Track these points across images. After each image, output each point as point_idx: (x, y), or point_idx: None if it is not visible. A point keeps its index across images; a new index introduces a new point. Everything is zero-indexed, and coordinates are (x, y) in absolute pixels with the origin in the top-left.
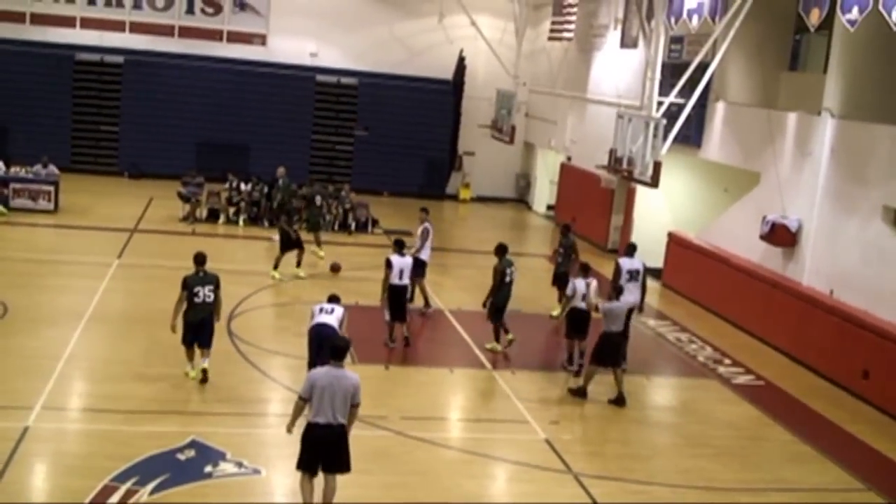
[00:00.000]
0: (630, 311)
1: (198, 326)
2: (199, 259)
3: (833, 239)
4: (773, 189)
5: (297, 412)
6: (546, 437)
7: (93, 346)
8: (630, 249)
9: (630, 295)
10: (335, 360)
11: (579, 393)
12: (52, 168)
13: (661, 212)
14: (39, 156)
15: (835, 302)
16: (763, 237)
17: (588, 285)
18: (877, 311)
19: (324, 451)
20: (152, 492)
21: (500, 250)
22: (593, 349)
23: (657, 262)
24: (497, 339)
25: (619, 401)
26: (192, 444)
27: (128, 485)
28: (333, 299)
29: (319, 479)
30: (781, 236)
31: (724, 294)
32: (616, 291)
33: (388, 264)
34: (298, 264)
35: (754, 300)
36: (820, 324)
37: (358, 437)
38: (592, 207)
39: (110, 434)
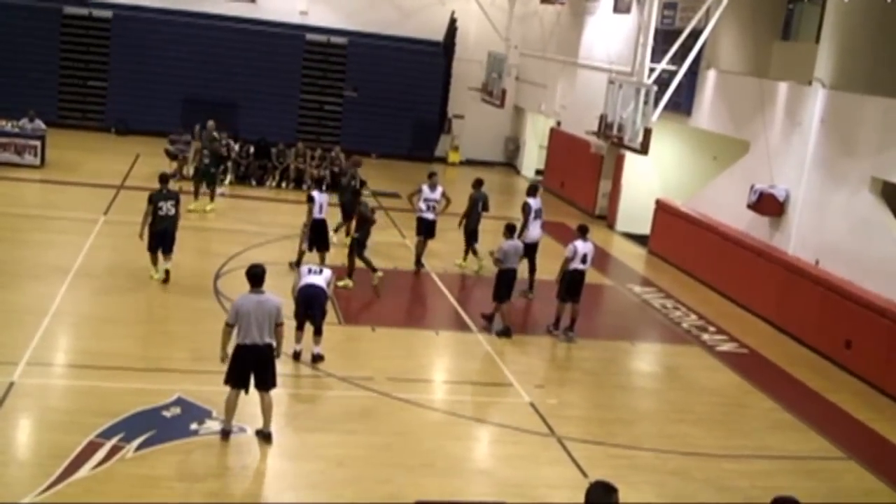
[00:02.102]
0: (535, 246)
1: (161, 235)
2: (163, 178)
3: (820, 209)
4: (762, 158)
5: (226, 337)
6: (531, 400)
7: (79, 303)
8: (534, 190)
9: (535, 230)
10: (255, 286)
11: (489, 319)
12: (39, 122)
13: (650, 179)
14: (26, 110)
15: (820, 272)
16: (750, 206)
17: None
18: (861, 282)
19: (252, 369)
20: (138, 448)
21: (355, 193)
22: (497, 287)
23: (644, 229)
24: (350, 276)
25: (506, 332)
26: (178, 402)
27: (113, 441)
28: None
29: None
30: (769, 205)
31: (710, 262)
32: (509, 231)
33: (311, 199)
34: (347, 233)
35: (740, 269)
36: (805, 293)
37: (343, 397)
38: (581, 173)
39: (96, 390)
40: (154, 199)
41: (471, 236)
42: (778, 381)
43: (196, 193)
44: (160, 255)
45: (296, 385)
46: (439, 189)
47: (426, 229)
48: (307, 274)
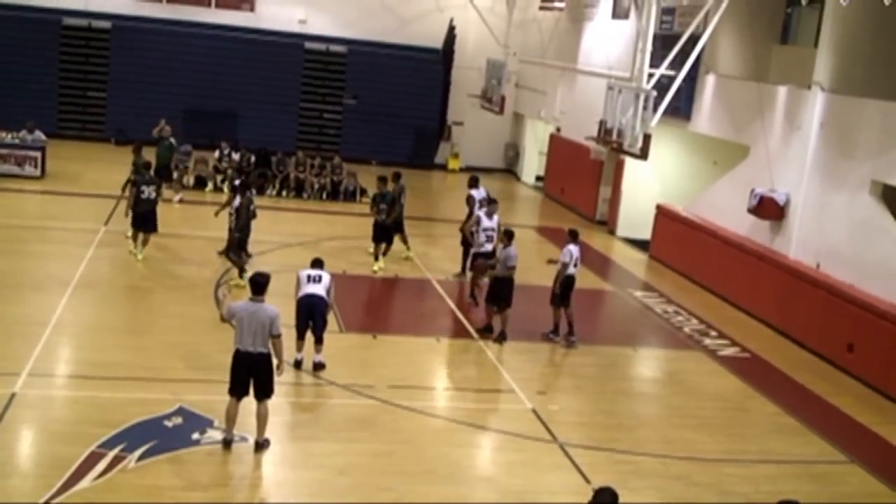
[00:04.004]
0: None
1: (143, 216)
2: (146, 165)
3: (821, 213)
4: (762, 162)
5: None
6: (532, 407)
7: (80, 313)
8: (475, 181)
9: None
10: (255, 294)
11: (487, 329)
12: (39, 134)
13: (650, 184)
14: (25, 121)
15: (821, 275)
16: (751, 210)
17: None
18: (862, 285)
19: (247, 376)
20: (140, 458)
21: (243, 186)
22: (504, 295)
23: (645, 234)
24: (241, 276)
25: (502, 337)
26: (180, 411)
27: (115, 451)
28: (317, 264)
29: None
30: (769, 209)
31: (711, 267)
32: (508, 237)
33: (235, 191)
34: (409, 252)
35: (741, 273)
36: (806, 297)
37: (344, 406)
38: (581, 179)
39: (97, 401)
40: (137, 183)
41: (397, 227)
42: (780, 385)
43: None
44: (141, 236)
45: (297, 394)
46: (496, 218)
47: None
48: (306, 283)
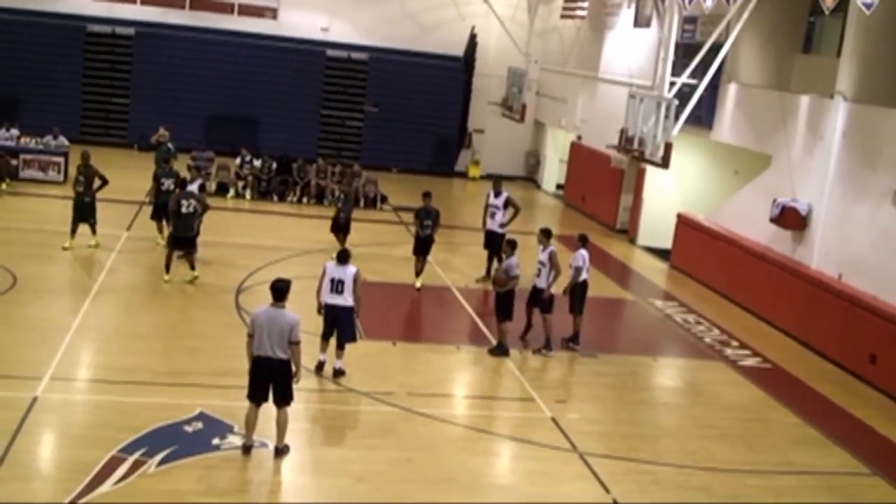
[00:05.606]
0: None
1: (164, 207)
2: (166, 160)
3: (843, 223)
4: (784, 172)
5: (249, 348)
6: (552, 415)
7: (101, 318)
8: (499, 184)
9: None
10: (275, 300)
11: (500, 348)
12: (63, 139)
13: (671, 193)
14: (50, 127)
15: (843, 286)
16: (773, 220)
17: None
18: (885, 295)
19: (267, 382)
20: (160, 463)
21: (182, 184)
22: (502, 307)
23: (666, 243)
24: (167, 271)
25: (503, 350)
26: (200, 417)
27: (135, 456)
28: (343, 258)
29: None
30: (791, 219)
31: (732, 276)
32: (511, 247)
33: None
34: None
35: (763, 283)
36: (828, 308)
37: (364, 413)
38: (602, 187)
39: (118, 405)
40: (158, 177)
41: (345, 229)
42: (801, 396)
43: (72, 232)
44: (164, 224)
45: (317, 400)
46: (550, 248)
47: (534, 299)
48: (329, 291)
